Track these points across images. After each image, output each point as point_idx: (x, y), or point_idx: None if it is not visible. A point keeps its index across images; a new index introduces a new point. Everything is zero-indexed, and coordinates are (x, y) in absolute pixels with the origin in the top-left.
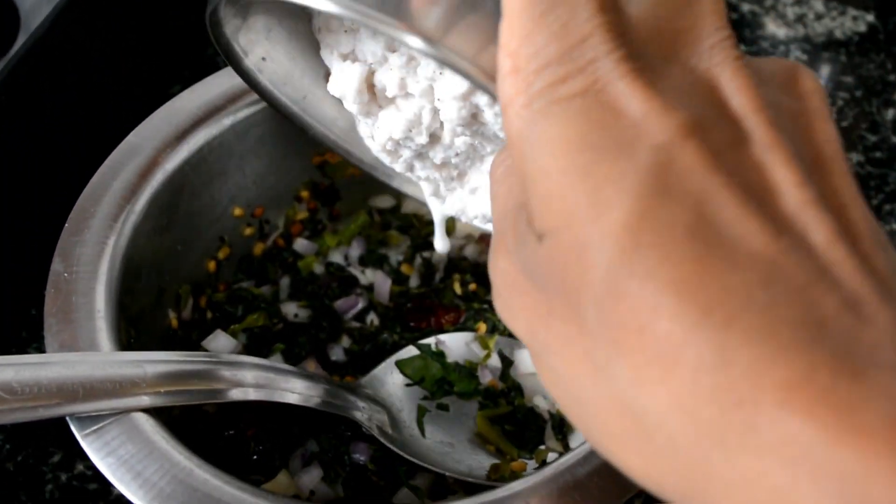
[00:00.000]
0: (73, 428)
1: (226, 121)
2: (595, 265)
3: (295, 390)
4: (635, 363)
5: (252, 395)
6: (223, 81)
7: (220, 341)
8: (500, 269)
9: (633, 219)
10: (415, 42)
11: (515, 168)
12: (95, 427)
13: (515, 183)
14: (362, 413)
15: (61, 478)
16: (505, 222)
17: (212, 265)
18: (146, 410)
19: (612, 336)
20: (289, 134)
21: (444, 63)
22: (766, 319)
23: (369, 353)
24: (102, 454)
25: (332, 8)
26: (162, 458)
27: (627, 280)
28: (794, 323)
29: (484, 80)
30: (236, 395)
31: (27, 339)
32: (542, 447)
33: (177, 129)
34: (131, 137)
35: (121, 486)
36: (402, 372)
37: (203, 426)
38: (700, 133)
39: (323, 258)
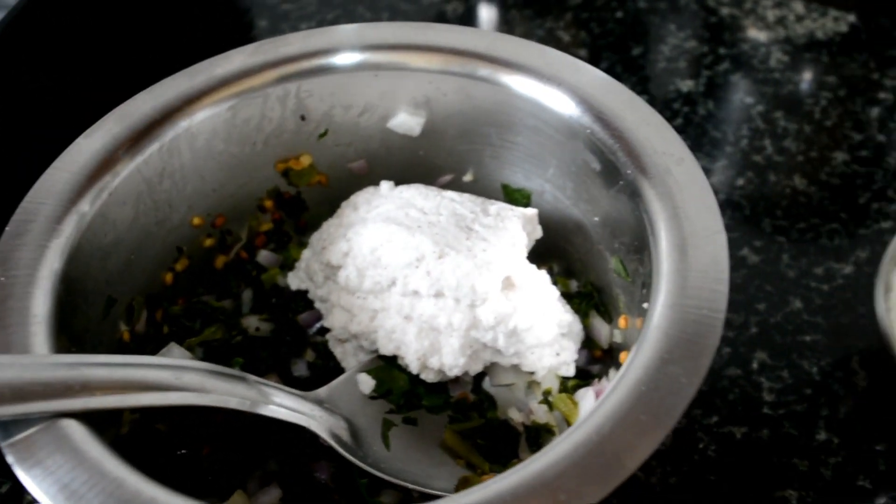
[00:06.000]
0: None
1: (182, 123)
2: None
3: (238, 394)
4: None
5: (193, 399)
6: (180, 83)
7: (175, 354)
8: None
9: None
10: None
11: None
12: (22, 435)
13: None
14: (319, 423)
15: None
16: None
17: (169, 277)
18: (81, 418)
19: None
20: (250, 136)
21: None
22: None
23: (334, 369)
24: (28, 465)
25: None
26: (92, 470)
27: None
28: None
29: None
30: (177, 399)
31: None
32: (516, 460)
33: (130, 131)
34: (81, 139)
35: (45, 500)
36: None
37: (156, 445)
38: None
39: (288, 271)
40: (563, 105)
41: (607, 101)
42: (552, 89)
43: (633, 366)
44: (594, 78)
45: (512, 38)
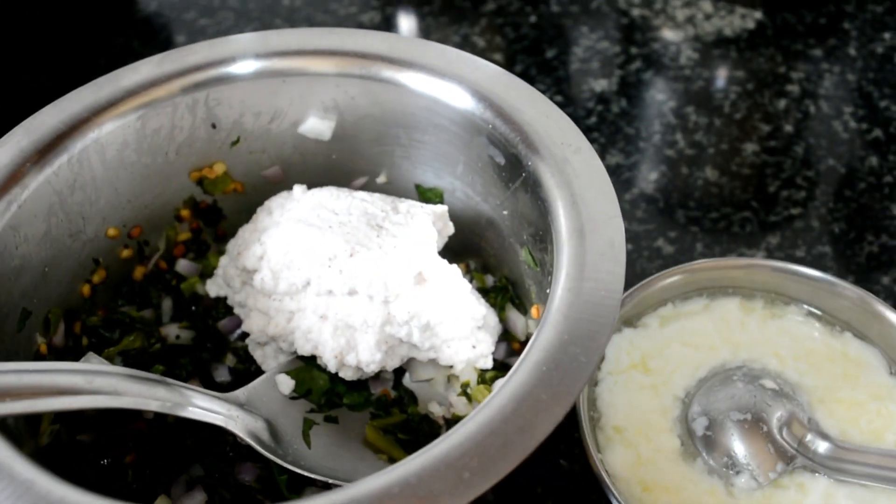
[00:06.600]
0: None
1: (91, 134)
2: None
3: (157, 397)
4: None
5: (107, 402)
6: (87, 95)
7: (93, 364)
8: None
9: None
10: None
11: None
12: None
13: None
14: (237, 423)
15: None
16: None
17: (86, 289)
18: None
19: None
20: (161, 146)
21: None
22: None
23: (255, 372)
24: None
25: None
26: (2, 473)
27: None
28: None
29: None
30: (89, 402)
31: None
32: None
33: (38, 144)
34: None
35: None
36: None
37: (79, 456)
38: None
39: (208, 279)
40: (464, 101)
41: (507, 96)
42: (454, 86)
43: (535, 348)
44: (493, 73)
45: (413, 40)
